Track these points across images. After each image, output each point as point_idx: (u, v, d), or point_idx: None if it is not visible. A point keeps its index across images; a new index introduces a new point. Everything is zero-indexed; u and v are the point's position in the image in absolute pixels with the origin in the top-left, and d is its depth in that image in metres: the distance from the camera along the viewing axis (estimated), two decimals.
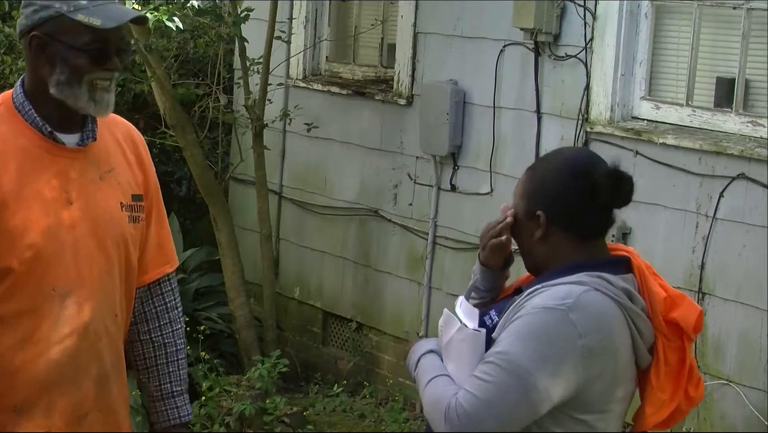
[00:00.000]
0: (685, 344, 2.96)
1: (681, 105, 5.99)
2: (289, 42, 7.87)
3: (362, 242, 7.75)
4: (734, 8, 5.79)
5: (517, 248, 3.13)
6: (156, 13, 6.50)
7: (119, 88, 7.55)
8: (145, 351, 3.55)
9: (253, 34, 7.49)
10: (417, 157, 7.32)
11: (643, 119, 6.14)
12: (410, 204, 7.40)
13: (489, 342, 2.92)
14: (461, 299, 3.10)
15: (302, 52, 8.12)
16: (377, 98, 7.57)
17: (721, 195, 5.69)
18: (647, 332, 2.94)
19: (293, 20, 8.11)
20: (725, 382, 5.68)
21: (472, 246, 6.95)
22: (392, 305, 7.51)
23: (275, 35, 7.46)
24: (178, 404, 3.56)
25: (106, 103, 3.27)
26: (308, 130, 7.82)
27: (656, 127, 6.02)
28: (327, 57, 8.23)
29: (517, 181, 3.09)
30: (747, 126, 5.69)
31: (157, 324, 3.54)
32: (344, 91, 7.82)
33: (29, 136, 3.27)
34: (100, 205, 3.31)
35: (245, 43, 7.36)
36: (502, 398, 2.81)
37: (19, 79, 3.35)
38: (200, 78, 8.31)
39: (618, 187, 2.98)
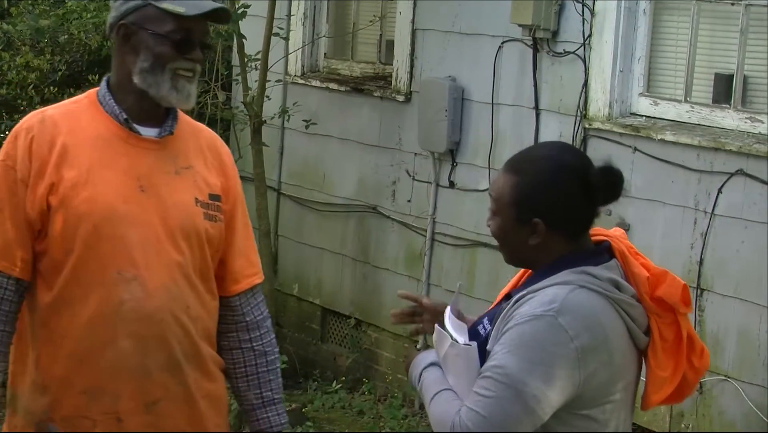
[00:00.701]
0: (678, 318, 2.97)
1: (679, 101, 5.99)
2: (287, 39, 7.87)
3: (361, 239, 7.75)
4: (732, 4, 5.80)
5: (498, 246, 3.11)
6: None
7: None
8: (246, 359, 3.60)
9: (252, 30, 7.49)
10: (415, 154, 7.32)
11: (642, 115, 6.14)
12: (409, 201, 7.40)
13: (483, 352, 2.94)
14: (448, 311, 3.10)
15: (300, 49, 8.12)
16: (375, 95, 7.57)
17: (719, 191, 5.69)
18: (640, 317, 2.95)
19: (291, 17, 8.11)
20: (724, 378, 5.68)
21: (471, 243, 6.95)
22: (391, 301, 7.51)
23: (273, 32, 7.46)
24: (279, 411, 3.64)
25: (187, 93, 3.36)
26: (307, 127, 7.82)
27: (655, 124, 6.02)
28: (325, 54, 8.23)
29: (497, 183, 3.03)
30: (745, 122, 5.69)
31: (258, 333, 3.60)
32: (342, 88, 7.82)
33: (107, 124, 3.37)
34: (172, 197, 3.38)
35: (243, 40, 7.36)
36: (503, 412, 2.83)
37: (105, 76, 3.45)
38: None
39: (613, 185, 2.96)
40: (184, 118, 3.52)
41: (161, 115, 3.41)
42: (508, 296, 3.04)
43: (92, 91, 3.47)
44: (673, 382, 2.98)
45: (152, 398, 3.37)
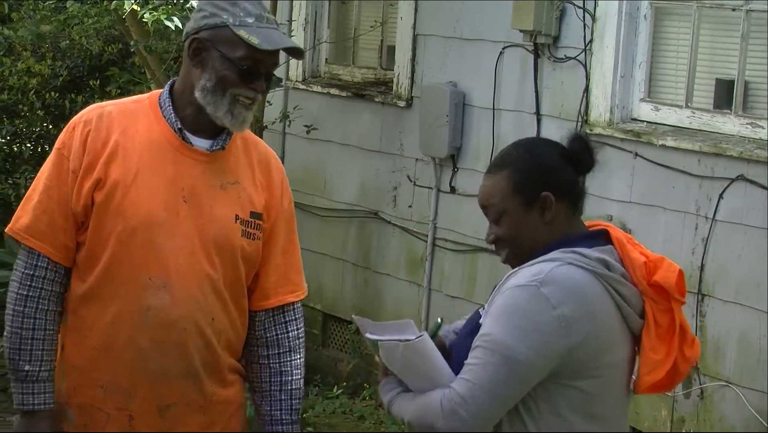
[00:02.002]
0: (672, 306, 3.05)
1: (680, 107, 5.99)
2: None
3: (362, 244, 7.75)
4: (733, 10, 5.80)
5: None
6: (155, 13, 6.49)
7: (119, 90, 7.56)
8: (261, 375, 3.63)
9: None
10: (417, 159, 7.32)
11: (643, 121, 6.14)
12: (410, 206, 7.40)
13: (478, 328, 3.02)
14: (369, 333, 3.13)
15: None
16: (377, 100, 7.58)
17: (720, 197, 5.69)
18: (633, 298, 3.04)
19: (293, 22, 8.11)
20: (725, 383, 5.68)
21: (472, 248, 6.95)
22: (392, 306, 7.51)
23: None
24: (286, 431, 3.63)
25: (242, 119, 3.40)
26: (308, 132, 7.83)
27: (656, 129, 6.02)
28: (326, 59, 8.24)
29: (487, 186, 3.17)
30: (746, 128, 5.69)
31: (276, 351, 3.61)
32: (344, 93, 7.82)
33: (161, 130, 3.42)
34: (213, 211, 3.42)
35: None
36: (490, 377, 2.92)
37: (171, 80, 3.50)
38: None
39: (588, 149, 3.13)
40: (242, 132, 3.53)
41: (217, 130, 3.44)
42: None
43: (155, 92, 3.51)
44: (664, 366, 3.06)
45: (166, 402, 3.44)
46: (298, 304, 3.64)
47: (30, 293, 3.41)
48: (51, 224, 3.39)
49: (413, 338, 3.00)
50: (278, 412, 3.63)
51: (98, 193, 3.36)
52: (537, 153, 3.15)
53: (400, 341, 3.01)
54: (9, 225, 3.48)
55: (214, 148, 3.44)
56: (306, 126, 7.82)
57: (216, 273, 3.42)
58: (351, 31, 8.11)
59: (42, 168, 3.48)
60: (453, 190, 7.10)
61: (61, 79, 8.09)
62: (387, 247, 7.58)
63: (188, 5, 6.75)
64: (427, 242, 7.26)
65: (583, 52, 6.28)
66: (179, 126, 3.40)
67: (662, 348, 3.05)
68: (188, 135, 3.42)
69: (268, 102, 7.59)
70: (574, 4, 6.30)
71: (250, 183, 3.51)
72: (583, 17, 6.27)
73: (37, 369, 3.41)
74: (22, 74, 7.97)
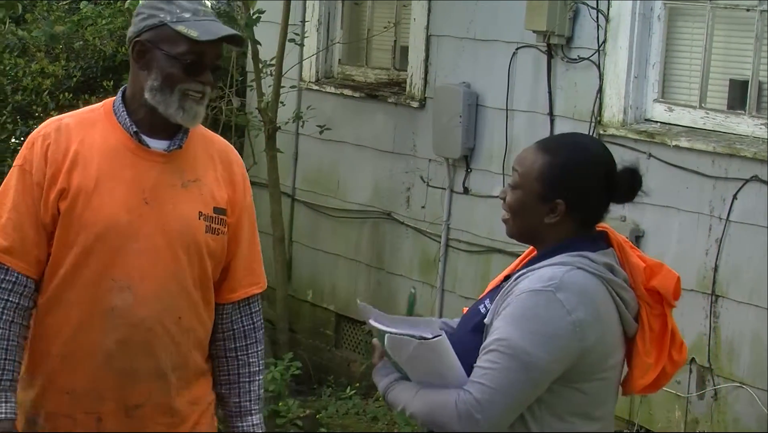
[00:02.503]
0: (665, 311, 3.11)
1: (694, 107, 5.98)
2: (301, 45, 7.87)
3: (375, 245, 7.75)
4: (747, 10, 5.78)
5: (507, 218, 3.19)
6: None
7: None
8: (229, 367, 3.68)
9: (266, 36, 7.50)
10: (430, 160, 7.32)
11: (656, 122, 6.13)
12: (423, 207, 7.40)
13: (482, 328, 3.06)
14: (374, 320, 3.14)
15: (315, 55, 8.13)
16: (390, 101, 7.58)
17: (734, 197, 5.68)
18: (632, 302, 3.10)
19: (306, 23, 8.11)
20: (738, 384, 5.67)
21: (485, 249, 6.95)
22: (405, 307, 7.50)
23: (288, 38, 7.47)
24: (255, 422, 3.70)
25: (194, 113, 3.43)
26: (321, 133, 7.83)
27: (669, 130, 6.02)
28: (340, 60, 8.24)
29: (525, 157, 3.16)
30: (760, 128, 5.68)
31: (243, 343, 3.68)
32: (357, 94, 7.82)
33: (118, 136, 3.46)
34: (176, 210, 3.46)
35: (258, 46, 7.37)
36: (509, 381, 2.95)
37: (122, 87, 3.54)
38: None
39: (632, 187, 3.13)
40: (198, 129, 3.58)
41: (173, 129, 3.49)
42: (508, 278, 3.17)
43: (109, 100, 3.55)
44: (655, 370, 3.13)
45: (134, 402, 3.47)
46: (259, 295, 3.73)
47: None
48: (23, 240, 3.42)
49: (430, 336, 2.99)
50: (248, 403, 3.68)
51: (63, 202, 3.41)
52: (584, 165, 3.12)
53: (414, 337, 3.00)
54: None
55: (171, 148, 3.48)
56: (319, 127, 7.82)
57: (182, 271, 3.46)
58: (364, 32, 8.11)
59: (4, 187, 3.50)
60: (466, 190, 7.10)
61: (74, 80, 8.12)
62: (400, 248, 7.58)
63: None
64: (440, 242, 7.26)
65: (597, 53, 6.27)
66: (134, 129, 3.45)
67: (654, 352, 3.12)
68: (144, 138, 3.46)
69: (282, 103, 7.59)
70: (588, 5, 6.29)
71: (212, 179, 3.54)
72: (597, 18, 6.26)
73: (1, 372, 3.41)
74: (35, 75, 8.00)
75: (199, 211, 3.48)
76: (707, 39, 5.95)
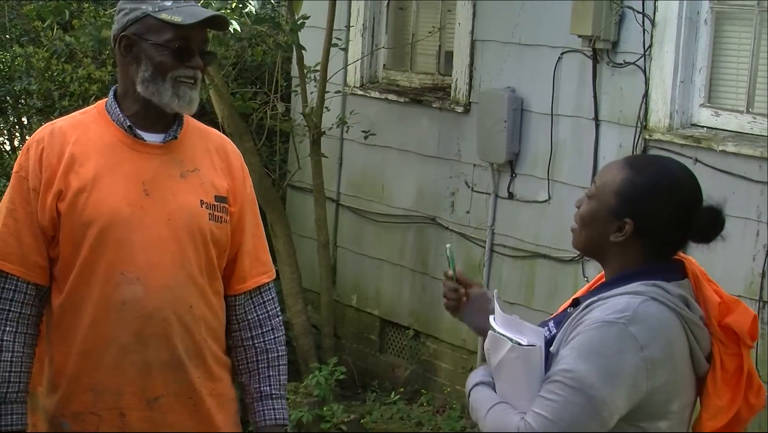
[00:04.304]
0: (742, 351, 2.96)
1: (741, 112, 5.94)
2: (346, 50, 7.88)
3: (419, 250, 7.74)
4: None
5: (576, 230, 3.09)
6: None
7: None
8: (247, 356, 3.69)
9: (311, 42, 7.51)
10: (474, 165, 7.31)
11: (703, 126, 6.09)
12: (467, 212, 7.39)
13: (547, 354, 2.93)
14: (494, 316, 3.08)
15: (359, 60, 8.14)
16: (434, 106, 7.57)
17: None
18: (704, 341, 2.95)
19: (350, 28, 8.13)
20: None
21: (530, 254, 6.93)
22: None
23: (332, 43, 7.48)
24: (276, 406, 3.68)
25: (189, 99, 3.48)
26: (365, 138, 7.83)
27: (716, 135, 5.98)
28: (384, 64, 8.24)
29: (608, 168, 3.05)
30: None
31: (259, 331, 3.69)
32: (401, 99, 7.82)
33: (113, 132, 3.50)
34: (177, 200, 3.49)
35: (303, 51, 7.39)
36: (572, 416, 2.83)
37: (113, 87, 3.58)
38: (258, 86, 8.35)
39: (711, 229, 3.02)
40: (193, 123, 3.63)
41: (168, 122, 3.53)
42: (576, 302, 3.05)
43: (101, 102, 3.60)
44: (728, 413, 2.96)
45: (154, 394, 3.49)
46: (271, 284, 3.72)
47: None
48: (20, 245, 3.45)
49: (524, 343, 2.92)
50: (268, 387, 3.67)
51: (61, 203, 3.43)
52: (666, 193, 2.98)
53: (511, 340, 2.94)
54: None
55: (167, 139, 3.52)
56: (364, 132, 7.83)
57: (188, 260, 3.48)
58: (409, 37, 8.11)
59: (4, 196, 3.54)
60: (511, 195, 7.08)
61: None
62: (445, 252, 7.55)
63: (246, 10, 6.79)
64: (484, 248, 7.24)
65: (643, 57, 6.24)
66: (128, 124, 3.49)
67: (727, 394, 2.95)
68: (139, 132, 3.50)
69: (326, 108, 7.61)
70: (634, 9, 6.27)
71: (210, 169, 3.58)
72: (643, 22, 6.23)
73: (4, 391, 3.44)
74: (82, 81, 8.05)
75: (201, 200, 3.52)
76: (755, 43, 5.91)
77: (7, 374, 3.45)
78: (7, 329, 3.45)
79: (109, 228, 3.42)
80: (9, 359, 3.45)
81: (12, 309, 3.46)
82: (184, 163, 3.53)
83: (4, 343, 3.45)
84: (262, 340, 3.68)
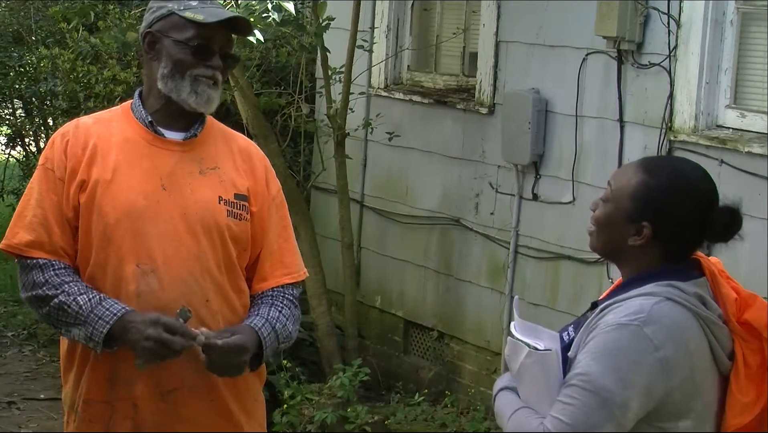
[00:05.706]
0: (764, 346, 2.95)
1: (767, 113, 5.92)
2: (370, 51, 7.89)
3: (444, 251, 7.74)
4: None
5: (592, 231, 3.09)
6: None
7: None
8: (258, 306, 3.61)
9: (335, 43, 7.52)
10: (499, 166, 7.30)
11: (728, 128, 6.07)
12: (492, 213, 7.38)
13: (566, 358, 2.95)
14: (513, 323, 3.10)
15: (384, 61, 8.14)
16: (459, 107, 7.57)
17: None
18: (724, 338, 2.94)
19: (375, 29, 8.13)
20: None
21: (554, 255, 6.91)
22: (474, 314, 7.50)
23: (357, 44, 7.48)
24: (261, 323, 3.55)
25: (207, 97, 3.53)
26: (390, 139, 7.84)
27: (741, 136, 5.95)
28: (408, 66, 8.24)
29: (624, 174, 3.05)
30: None
31: (278, 310, 3.64)
32: (426, 100, 7.82)
33: (134, 128, 3.56)
34: (194, 194, 3.51)
35: (327, 53, 7.39)
36: (588, 420, 2.84)
37: (138, 88, 3.65)
38: (282, 87, 8.36)
39: (728, 228, 3.00)
40: (218, 126, 3.68)
41: (190, 121, 3.58)
42: (594, 305, 3.05)
43: (127, 102, 3.67)
44: (753, 410, 2.94)
45: (168, 387, 3.50)
46: (295, 286, 3.69)
47: (45, 277, 3.46)
48: (49, 235, 3.49)
49: (541, 347, 2.94)
50: (257, 319, 3.57)
51: (82, 194, 3.49)
52: (682, 195, 2.98)
53: (528, 345, 2.96)
54: (4, 242, 3.55)
55: (187, 137, 3.56)
56: (388, 133, 7.83)
57: (205, 255, 3.49)
58: (433, 38, 8.11)
59: (29, 186, 3.59)
60: (535, 197, 7.07)
61: None
62: (469, 254, 7.56)
63: (270, 18, 6.78)
64: (509, 249, 7.23)
65: (668, 59, 6.22)
66: (149, 120, 3.54)
67: (752, 390, 2.93)
68: (160, 129, 3.54)
69: (351, 109, 7.61)
70: (659, 10, 6.25)
71: (232, 168, 3.60)
72: (668, 23, 6.21)
73: (88, 299, 3.43)
74: (108, 82, 8.07)
75: (219, 196, 3.54)
76: None
77: (76, 289, 3.44)
78: (57, 273, 3.47)
79: (125, 220, 3.45)
80: (71, 280, 3.46)
81: (54, 265, 3.47)
82: (204, 161, 3.57)
83: (61, 278, 3.46)
84: (279, 309, 3.61)
